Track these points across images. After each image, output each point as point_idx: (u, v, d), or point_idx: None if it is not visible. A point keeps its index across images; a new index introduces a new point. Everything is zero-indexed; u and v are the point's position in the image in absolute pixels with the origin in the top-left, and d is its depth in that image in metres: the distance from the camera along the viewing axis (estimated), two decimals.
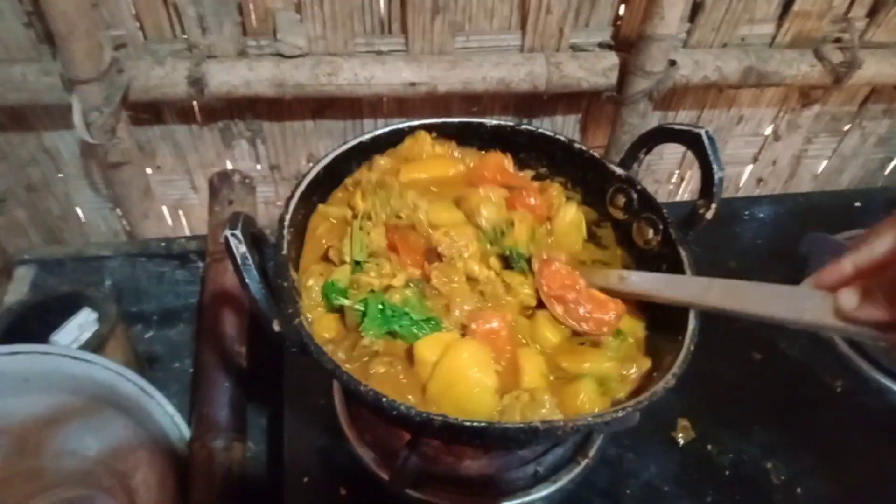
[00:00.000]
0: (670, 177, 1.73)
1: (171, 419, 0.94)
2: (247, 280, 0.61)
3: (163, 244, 1.18)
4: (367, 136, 0.89)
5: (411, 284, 0.74)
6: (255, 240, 0.67)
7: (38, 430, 0.82)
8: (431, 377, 0.67)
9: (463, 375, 0.66)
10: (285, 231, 0.73)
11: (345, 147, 0.87)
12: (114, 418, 0.89)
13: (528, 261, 0.80)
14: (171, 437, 0.93)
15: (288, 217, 0.75)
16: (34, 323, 0.98)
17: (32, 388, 0.83)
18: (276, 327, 0.63)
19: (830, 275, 0.62)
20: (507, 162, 0.94)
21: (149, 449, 0.89)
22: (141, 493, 0.84)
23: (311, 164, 0.83)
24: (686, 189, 1.77)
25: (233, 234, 0.60)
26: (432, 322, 0.72)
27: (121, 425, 0.88)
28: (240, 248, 0.60)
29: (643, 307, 0.80)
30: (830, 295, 0.60)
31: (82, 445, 0.84)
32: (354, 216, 0.81)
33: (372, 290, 0.73)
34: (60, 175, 1.44)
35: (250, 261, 0.61)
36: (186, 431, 0.95)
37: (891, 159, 1.83)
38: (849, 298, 0.58)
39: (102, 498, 0.79)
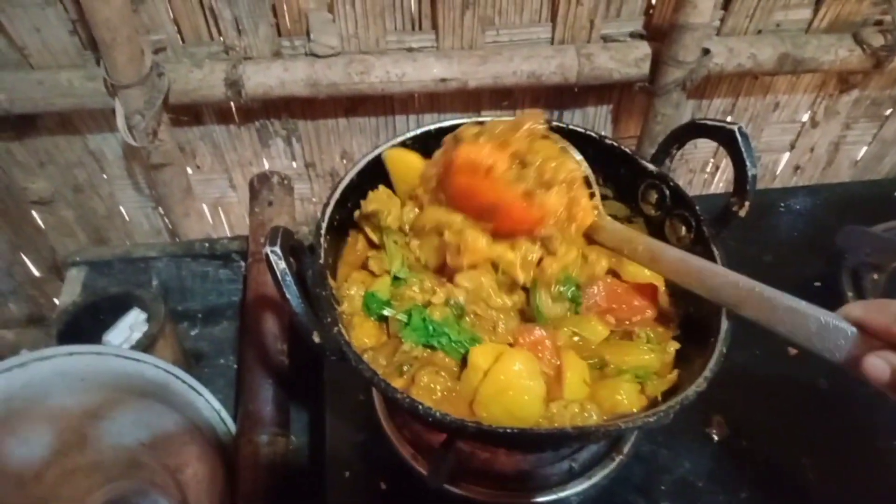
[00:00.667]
0: (705, 166, 1.71)
1: (218, 415, 0.98)
2: (287, 295, 0.63)
3: (206, 245, 1.21)
4: (397, 140, 0.90)
5: (452, 303, 0.75)
6: (293, 249, 0.69)
7: (95, 426, 0.86)
8: (483, 383, 0.69)
9: (514, 383, 0.68)
10: (322, 240, 0.75)
11: (378, 150, 0.88)
12: (164, 415, 0.93)
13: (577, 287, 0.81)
14: (218, 432, 0.97)
15: (325, 225, 0.77)
16: (87, 323, 1.03)
17: (88, 387, 0.87)
18: (316, 339, 0.65)
19: (872, 318, 0.57)
20: None
21: (198, 444, 0.93)
22: (192, 487, 0.88)
23: (346, 164, 0.85)
24: (721, 178, 1.75)
25: (273, 251, 0.62)
26: (474, 340, 0.74)
27: (171, 421, 0.92)
28: (279, 265, 0.63)
29: (676, 303, 0.81)
30: (864, 340, 0.57)
31: (136, 441, 0.88)
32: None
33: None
34: (105, 176, 1.49)
35: (290, 277, 0.63)
36: (233, 426, 0.98)
37: None
38: (879, 369, 0.55)
39: (156, 492, 0.83)
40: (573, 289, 0.80)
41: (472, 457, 0.87)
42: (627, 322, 0.79)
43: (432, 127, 0.93)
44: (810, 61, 1.42)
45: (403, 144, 0.91)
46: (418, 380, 0.68)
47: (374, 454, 0.90)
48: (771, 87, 1.57)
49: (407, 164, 0.87)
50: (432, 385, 0.69)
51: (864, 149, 1.75)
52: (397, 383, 0.69)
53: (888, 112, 1.67)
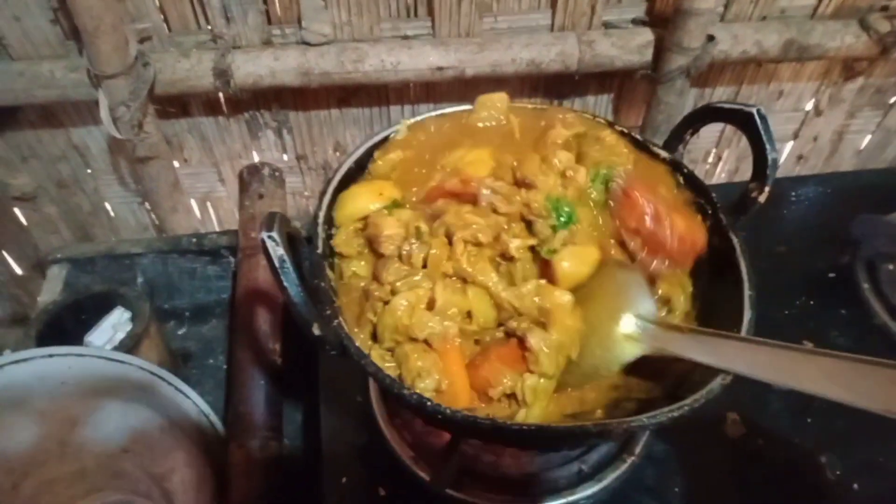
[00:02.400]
0: (707, 156, 1.68)
1: (207, 418, 0.93)
2: (285, 283, 0.59)
3: (194, 240, 1.17)
4: (395, 128, 0.86)
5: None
6: (290, 238, 0.65)
7: (77, 433, 0.82)
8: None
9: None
10: (320, 229, 0.71)
11: (375, 139, 0.84)
12: (150, 418, 0.88)
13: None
14: (207, 437, 0.92)
15: (322, 214, 0.73)
16: (69, 323, 0.98)
17: (69, 390, 0.83)
18: (317, 331, 0.61)
19: None
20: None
21: (186, 449, 0.89)
22: (179, 494, 0.84)
23: (339, 156, 0.81)
24: (723, 169, 1.71)
25: (269, 237, 0.58)
26: None
27: (157, 426, 0.88)
28: (277, 251, 0.58)
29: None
30: None
31: (119, 448, 0.83)
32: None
33: None
34: (89, 171, 1.44)
35: (289, 264, 0.58)
36: (222, 429, 0.94)
37: None
38: None
39: (140, 502, 0.79)
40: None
41: (476, 459, 0.82)
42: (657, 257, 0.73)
43: (429, 114, 0.89)
44: (816, 48, 1.39)
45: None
46: None
47: (372, 458, 0.86)
48: (775, 75, 1.53)
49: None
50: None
51: (868, 137, 1.72)
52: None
53: (893, 100, 1.64)
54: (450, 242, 0.70)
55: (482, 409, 0.65)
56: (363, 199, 0.78)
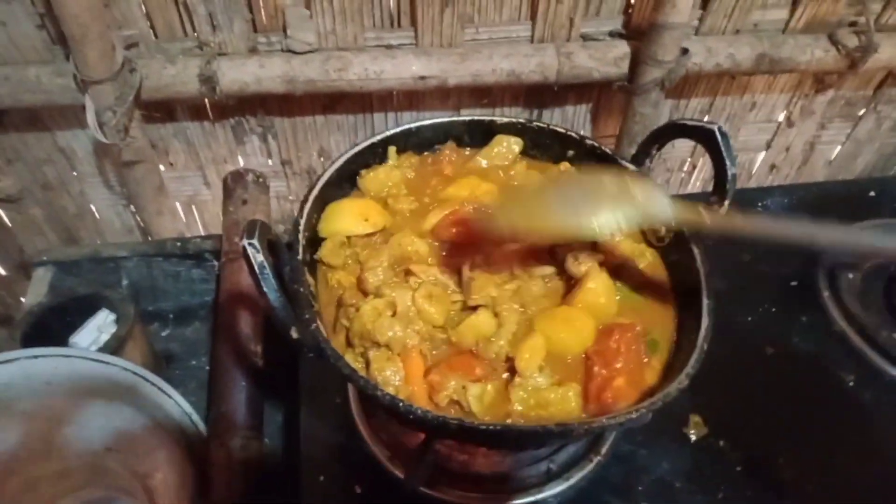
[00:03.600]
0: (682, 164, 1.72)
1: (189, 418, 0.96)
2: (265, 289, 0.62)
3: (178, 244, 1.19)
4: (378, 137, 0.89)
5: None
6: (271, 245, 0.67)
7: (61, 432, 0.84)
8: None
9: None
10: (300, 235, 0.74)
11: (357, 149, 0.87)
12: (133, 418, 0.90)
13: None
14: (189, 436, 0.95)
15: (303, 221, 0.76)
16: (54, 324, 1.00)
17: (54, 391, 0.85)
18: (294, 334, 0.64)
19: None
20: None
21: (168, 448, 0.91)
22: (161, 492, 0.86)
23: (324, 162, 0.84)
24: (698, 177, 1.75)
25: (250, 244, 0.61)
26: None
27: (140, 425, 0.90)
28: (257, 258, 0.61)
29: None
30: None
31: (103, 447, 0.85)
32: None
33: None
34: (75, 174, 1.45)
35: (268, 270, 0.61)
36: (204, 429, 0.96)
37: None
38: None
39: (123, 499, 0.81)
40: None
41: (449, 459, 0.86)
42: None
43: (413, 125, 0.92)
44: (787, 61, 1.43)
45: (384, 142, 0.90)
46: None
47: (349, 457, 0.89)
48: (748, 87, 1.58)
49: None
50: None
51: (839, 148, 1.77)
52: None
53: (861, 112, 1.69)
54: None
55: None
56: (349, 220, 0.83)
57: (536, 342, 0.72)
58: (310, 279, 0.75)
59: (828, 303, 1.09)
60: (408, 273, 0.76)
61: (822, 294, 1.10)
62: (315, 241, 0.81)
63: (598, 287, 0.77)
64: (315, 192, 0.80)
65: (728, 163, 0.77)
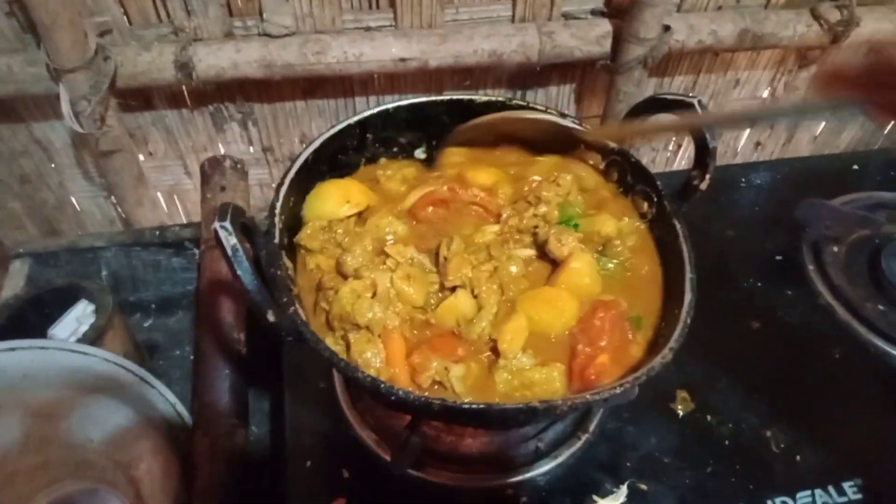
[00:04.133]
0: (668, 143, 1.72)
1: (174, 407, 0.95)
2: (238, 271, 0.60)
3: (157, 233, 1.17)
4: (354, 119, 0.88)
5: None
6: (246, 229, 0.66)
7: (41, 425, 0.82)
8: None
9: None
10: (276, 219, 0.73)
11: (332, 131, 0.86)
12: (116, 409, 0.89)
13: None
14: (174, 426, 0.94)
15: (279, 205, 0.74)
16: (32, 317, 0.98)
17: (32, 383, 0.83)
18: (271, 318, 0.62)
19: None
20: None
21: (152, 439, 0.90)
22: (146, 482, 0.85)
23: (302, 146, 0.82)
24: (684, 156, 1.75)
25: (222, 227, 0.59)
26: None
27: (123, 417, 0.89)
28: (230, 240, 0.60)
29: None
30: None
31: (85, 438, 0.84)
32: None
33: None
34: (53, 165, 1.43)
35: (241, 252, 0.60)
36: (189, 419, 0.95)
37: None
38: None
39: (106, 491, 0.80)
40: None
41: (437, 440, 0.85)
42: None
43: (390, 106, 0.91)
44: (770, 37, 1.42)
45: (361, 123, 0.89)
46: None
47: (336, 442, 0.88)
48: (731, 64, 1.57)
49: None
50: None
51: (823, 124, 1.77)
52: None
53: None
54: None
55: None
56: (331, 203, 0.82)
57: (519, 323, 0.71)
58: (288, 263, 0.74)
59: (813, 276, 1.09)
60: (384, 254, 0.75)
61: (806, 268, 1.10)
62: (295, 226, 0.80)
63: (582, 268, 0.76)
64: (290, 175, 0.79)
65: (708, 136, 0.77)
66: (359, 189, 0.85)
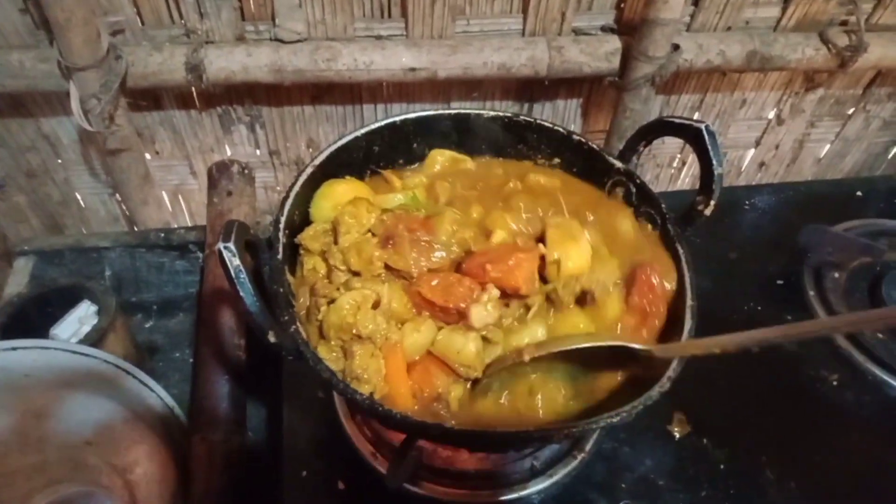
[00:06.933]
0: (672, 161, 1.72)
1: (172, 412, 0.95)
2: (241, 293, 0.61)
3: (162, 235, 1.18)
4: (361, 132, 0.88)
5: None
6: (250, 245, 0.66)
7: (39, 425, 0.83)
8: None
9: None
10: (280, 234, 0.73)
11: (338, 144, 0.86)
12: (114, 412, 0.89)
13: None
14: (171, 430, 0.94)
15: (283, 219, 0.74)
16: (34, 315, 0.98)
17: (33, 383, 0.84)
18: (272, 338, 0.63)
19: None
20: None
21: (149, 442, 0.90)
22: (141, 487, 0.85)
23: (312, 152, 0.82)
24: (688, 174, 1.75)
25: (226, 248, 0.60)
26: None
27: (120, 419, 0.89)
28: (233, 262, 0.60)
29: None
30: None
31: (82, 440, 0.85)
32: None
33: None
34: (60, 161, 1.44)
35: (244, 274, 0.60)
36: (187, 423, 0.95)
37: (895, 143, 1.81)
38: None
39: (102, 494, 0.80)
40: None
41: (433, 455, 0.85)
42: None
43: (397, 119, 0.91)
44: (777, 59, 1.43)
45: (368, 136, 0.89)
46: None
47: (332, 452, 0.88)
48: (738, 85, 1.58)
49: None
50: None
51: (828, 147, 1.78)
52: None
53: (851, 111, 1.70)
54: None
55: (416, 411, 0.67)
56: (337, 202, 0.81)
57: None
58: (290, 278, 0.74)
59: (813, 302, 1.09)
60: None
61: (807, 293, 1.10)
62: (300, 226, 0.80)
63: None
64: (296, 188, 0.79)
65: (714, 162, 0.77)
66: (367, 191, 0.85)
